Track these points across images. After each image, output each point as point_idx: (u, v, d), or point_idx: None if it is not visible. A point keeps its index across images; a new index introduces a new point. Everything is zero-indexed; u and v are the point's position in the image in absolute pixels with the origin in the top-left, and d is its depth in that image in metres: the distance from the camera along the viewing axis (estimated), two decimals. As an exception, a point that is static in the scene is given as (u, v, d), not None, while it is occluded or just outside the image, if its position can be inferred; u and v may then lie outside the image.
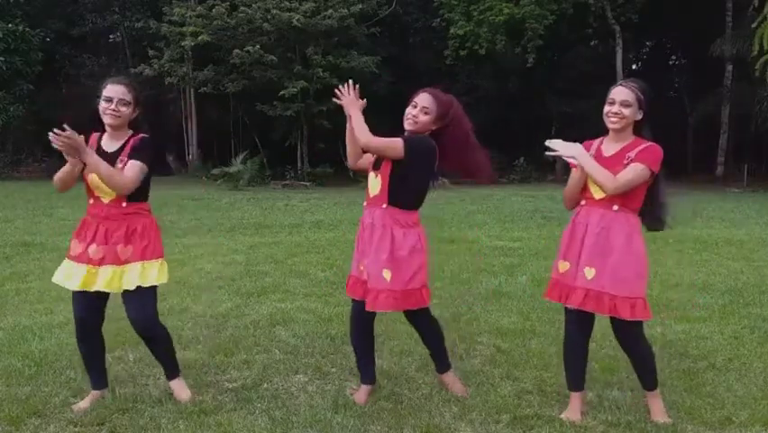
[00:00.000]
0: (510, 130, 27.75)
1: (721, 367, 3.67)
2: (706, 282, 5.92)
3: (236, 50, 21.07)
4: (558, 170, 26.24)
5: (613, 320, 2.86)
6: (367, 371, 3.26)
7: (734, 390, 3.33)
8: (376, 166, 3.08)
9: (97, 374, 3.17)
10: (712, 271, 6.53)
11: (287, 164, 24.02)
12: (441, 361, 3.33)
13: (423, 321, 3.23)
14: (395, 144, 2.96)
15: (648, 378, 2.99)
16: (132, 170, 2.94)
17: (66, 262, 3.07)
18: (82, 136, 2.84)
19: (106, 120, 2.99)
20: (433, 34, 25.19)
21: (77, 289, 2.98)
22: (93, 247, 2.98)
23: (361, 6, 21.82)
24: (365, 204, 3.13)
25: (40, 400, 3.13)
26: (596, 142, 2.99)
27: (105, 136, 3.08)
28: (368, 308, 3.01)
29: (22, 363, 3.63)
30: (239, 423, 2.90)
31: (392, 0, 24.68)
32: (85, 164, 2.89)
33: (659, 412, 2.97)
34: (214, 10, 21.46)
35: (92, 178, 2.95)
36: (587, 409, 3.05)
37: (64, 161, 2.99)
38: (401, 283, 2.96)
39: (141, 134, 3.07)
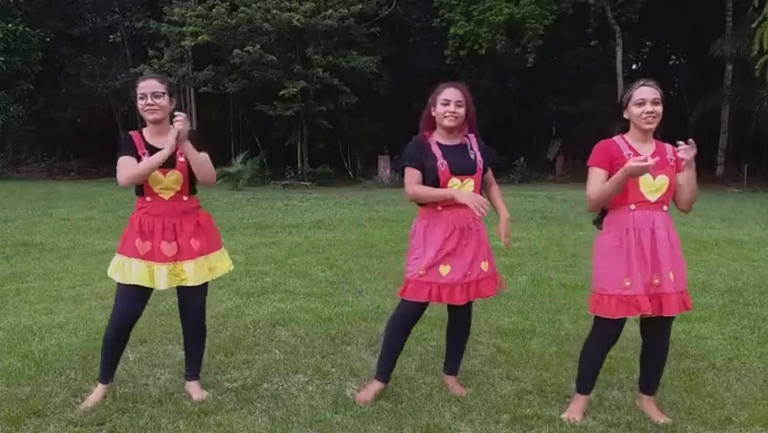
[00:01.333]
0: (510, 130, 27.78)
1: (721, 367, 3.67)
2: (706, 282, 5.92)
3: (236, 50, 21.07)
4: (558, 170, 26.30)
5: (661, 319, 2.87)
6: (390, 369, 3.25)
7: (734, 390, 3.33)
8: (464, 172, 3.10)
9: (113, 369, 3.21)
10: (712, 271, 6.53)
11: (287, 164, 24.02)
12: (456, 362, 3.37)
13: (465, 317, 3.31)
14: (414, 176, 3.09)
15: (656, 379, 3.04)
16: (209, 160, 3.06)
17: (138, 261, 3.01)
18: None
19: (148, 117, 3.03)
20: (433, 34, 25.17)
21: (164, 288, 3.03)
22: (165, 244, 3.01)
23: (361, 6, 21.81)
24: (441, 208, 3.08)
25: (40, 400, 3.13)
26: (620, 142, 2.90)
27: (148, 133, 3.09)
28: (473, 298, 3.13)
29: (22, 363, 3.63)
30: (239, 423, 2.90)
31: (392, 0, 24.68)
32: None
33: (657, 413, 2.98)
34: (214, 10, 21.45)
35: (152, 176, 2.98)
36: (587, 408, 3.05)
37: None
38: (493, 269, 3.23)
39: (188, 128, 3.10)
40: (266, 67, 21.51)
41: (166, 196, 3.04)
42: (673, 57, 32.97)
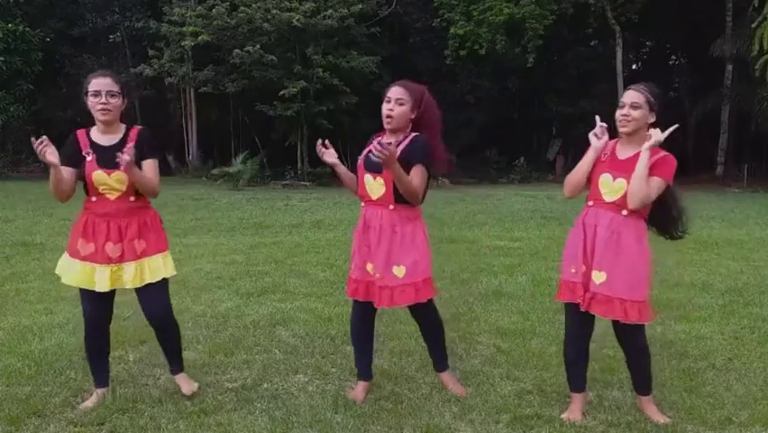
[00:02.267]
0: (510, 130, 27.78)
1: (721, 367, 3.67)
2: (706, 282, 5.92)
3: (236, 50, 21.06)
4: (558, 169, 26.30)
5: (617, 322, 2.87)
6: (367, 368, 3.29)
7: (734, 390, 3.33)
8: (372, 169, 3.02)
9: (103, 373, 3.19)
10: (712, 271, 6.52)
11: (287, 164, 24.01)
12: (440, 358, 3.35)
13: (428, 314, 3.27)
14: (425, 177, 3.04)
15: (644, 380, 3.02)
16: (152, 168, 2.99)
17: (78, 263, 2.99)
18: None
19: (99, 116, 2.95)
20: (433, 34, 25.17)
21: (105, 290, 2.96)
22: (110, 245, 2.96)
23: (361, 6, 21.80)
24: (364, 205, 3.13)
25: (40, 400, 3.13)
26: (610, 143, 2.96)
27: (95, 131, 3.03)
28: (385, 305, 3.06)
29: (22, 363, 3.63)
30: (239, 423, 2.90)
31: (392, 0, 24.67)
32: (55, 166, 2.81)
33: (656, 414, 2.98)
34: (214, 10, 21.45)
35: (98, 175, 2.93)
36: (587, 408, 3.05)
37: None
38: (414, 276, 3.04)
39: (138, 127, 3.06)
40: (266, 67, 21.50)
41: (111, 196, 2.97)
42: (673, 57, 32.95)
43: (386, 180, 3.01)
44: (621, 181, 2.83)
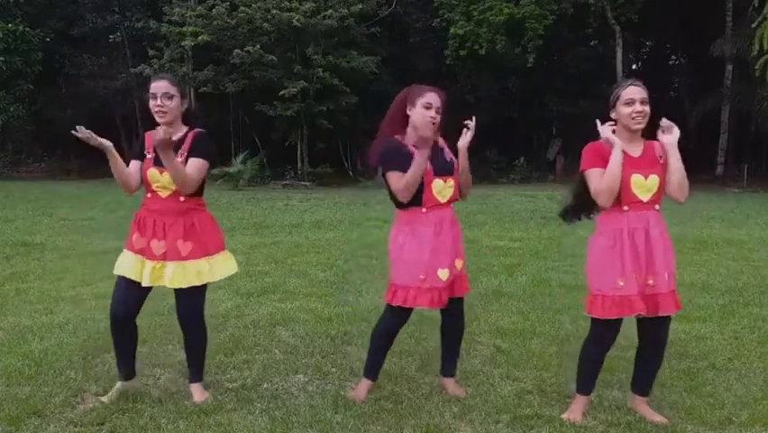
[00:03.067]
0: (510, 130, 27.77)
1: (721, 367, 3.67)
2: (706, 282, 5.92)
3: (236, 50, 21.07)
4: (558, 170, 26.28)
5: (657, 319, 2.86)
6: (377, 370, 3.26)
7: (734, 390, 3.33)
8: (446, 173, 3.08)
9: (126, 365, 3.20)
10: (712, 271, 6.52)
11: (287, 164, 24.02)
12: (453, 364, 3.35)
13: (463, 311, 3.32)
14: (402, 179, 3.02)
15: (652, 382, 3.03)
16: (195, 166, 3.01)
17: (131, 254, 3.07)
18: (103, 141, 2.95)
19: (158, 119, 3.03)
20: (433, 34, 25.17)
21: (146, 285, 3.01)
22: (155, 242, 3.02)
23: (361, 6, 21.81)
24: (426, 210, 3.03)
25: (40, 400, 3.13)
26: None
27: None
28: (463, 293, 3.22)
29: (22, 363, 3.63)
30: (239, 423, 2.90)
31: (392, 0, 24.67)
32: (108, 150, 2.97)
33: (652, 413, 2.98)
34: (214, 10, 21.46)
35: (151, 172, 3.00)
36: (587, 408, 3.05)
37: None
38: (464, 267, 3.23)
39: (198, 129, 3.11)
40: (266, 67, 21.51)
41: (163, 194, 3.04)
42: (673, 57, 32.94)
43: (455, 181, 3.13)
44: (653, 178, 2.81)
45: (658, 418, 2.94)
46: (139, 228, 3.08)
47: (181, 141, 3.05)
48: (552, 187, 21.35)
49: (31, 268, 6.60)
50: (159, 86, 3.01)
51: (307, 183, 22.29)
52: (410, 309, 3.09)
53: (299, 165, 23.99)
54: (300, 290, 5.56)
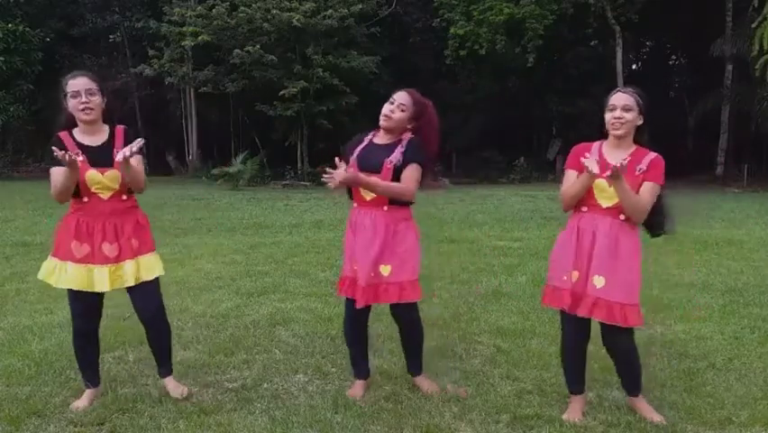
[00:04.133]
0: (510, 130, 27.77)
1: (721, 367, 3.67)
2: (706, 282, 5.92)
3: (236, 50, 21.08)
4: (558, 170, 26.28)
5: (608, 326, 2.86)
6: (363, 367, 3.31)
7: (734, 390, 3.33)
8: (371, 169, 3.06)
9: (94, 372, 3.17)
10: (712, 271, 6.52)
11: (287, 164, 24.03)
12: (416, 363, 3.34)
13: (410, 317, 3.24)
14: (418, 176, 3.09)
15: (635, 381, 3.03)
16: (141, 165, 2.99)
17: (72, 265, 2.95)
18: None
19: (82, 117, 2.94)
20: (433, 34, 25.18)
21: (106, 290, 2.96)
22: (107, 245, 2.95)
23: (361, 6, 21.82)
24: (357, 206, 3.17)
25: (40, 400, 3.13)
26: (595, 146, 2.97)
27: (78, 132, 3.01)
28: (368, 303, 3.07)
29: (22, 363, 3.63)
30: (239, 423, 2.90)
31: (392, 0, 24.67)
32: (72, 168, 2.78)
33: (650, 411, 2.98)
34: (214, 10, 21.46)
35: (90, 174, 2.90)
36: (587, 408, 3.05)
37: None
38: (399, 276, 3.06)
39: (121, 126, 3.07)
40: (266, 67, 21.51)
41: (105, 195, 2.94)
42: (673, 57, 32.96)
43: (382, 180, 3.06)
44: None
45: (656, 417, 2.94)
46: (77, 235, 2.94)
47: (111, 139, 2.99)
48: (552, 187, 21.35)
49: (31, 268, 6.59)
50: (80, 83, 2.91)
51: (307, 183, 22.28)
52: (349, 301, 3.18)
53: (299, 165, 23.99)
54: (300, 290, 5.56)
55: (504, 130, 26.92)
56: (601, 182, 2.82)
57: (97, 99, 2.95)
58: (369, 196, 3.09)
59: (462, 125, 24.47)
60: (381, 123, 3.13)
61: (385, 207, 3.07)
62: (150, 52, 23.23)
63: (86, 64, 25.99)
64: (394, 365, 3.65)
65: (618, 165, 2.66)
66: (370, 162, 3.09)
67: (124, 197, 3.00)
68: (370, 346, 3.97)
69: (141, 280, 3.00)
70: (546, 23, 22.05)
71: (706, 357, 3.84)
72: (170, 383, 3.21)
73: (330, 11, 21.46)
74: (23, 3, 24.19)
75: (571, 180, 2.93)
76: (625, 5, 23.18)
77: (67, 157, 2.69)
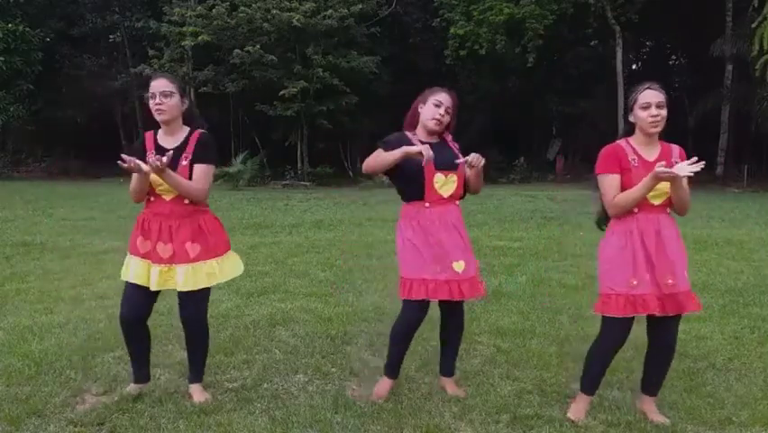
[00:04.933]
0: (510, 130, 27.77)
1: (721, 367, 3.67)
2: (706, 282, 5.92)
3: (236, 50, 21.08)
4: (558, 169, 26.29)
5: (669, 320, 2.87)
6: (397, 368, 3.28)
7: (734, 390, 3.33)
8: (448, 167, 3.10)
9: (144, 370, 3.20)
10: (712, 271, 6.52)
11: (287, 164, 24.03)
12: (452, 363, 3.35)
13: (463, 314, 3.31)
14: (379, 155, 3.15)
15: (662, 381, 3.03)
16: (203, 172, 3.01)
17: (136, 259, 3.05)
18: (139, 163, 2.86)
19: (157, 117, 3.02)
20: (433, 34, 25.17)
21: (154, 289, 3.00)
22: (161, 245, 3.00)
23: (361, 6, 21.82)
24: (429, 204, 3.10)
25: (40, 400, 3.13)
26: (626, 147, 2.90)
27: (161, 133, 3.09)
28: (469, 297, 3.13)
29: (22, 363, 3.63)
30: (239, 423, 2.90)
31: (392, 0, 24.68)
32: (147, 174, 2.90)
33: (656, 413, 2.98)
34: (214, 10, 21.46)
35: (154, 177, 2.96)
36: (587, 409, 3.05)
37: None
38: (470, 271, 3.14)
39: (200, 130, 3.09)
40: (266, 67, 21.51)
41: (167, 197, 3.02)
42: (673, 57, 32.95)
43: (458, 177, 3.14)
44: (665, 183, 2.82)
45: (661, 419, 2.94)
46: (143, 232, 3.06)
47: (185, 143, 3.04)
48: (552, 187, 21.36)
49: (31, 268, 6.60)
50: (157, 84, 2.99)
51: (307, 183, 22.29)
52: (428, 303, 3.12)
53: (299, 165, 23.99)
54: (300, 290, 5.56)
55: (504, 130, 26.91)
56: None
57: (171, 101, 3.00)
58: (447, 192, 3.12)
59: (462, 125, 24.43)
60: (434, 126, 3.15)
61: (457, 202, 3.17)
62: (150, 52, 23.23)
63: (86, 64, 26.04)
64: (438, 369, 3.64)
65: (673, 162, 2.77)
66: (448, 160, 3.10)
67: (186, 201, 3.03)
68: (370, 346, 4.00)
69: (197, 287, 3.02)
70: (546, 23, 22.04)
71: (706, 357, 3.84)
72: (196, 390, 3.21)
73: (330, 11, 21.46)
74: (23, 3, 24.19)
75: (615, 186, 2.83)
76: (625, 5, 23.18)
77: (128, 165, 2.80)
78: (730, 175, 24.15)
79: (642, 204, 2.83)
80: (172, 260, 3.00)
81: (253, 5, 21.25)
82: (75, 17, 26.38)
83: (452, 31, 23.02)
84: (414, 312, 3.12)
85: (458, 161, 3.10)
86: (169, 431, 2.83)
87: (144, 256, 3.04)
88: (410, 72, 25.08)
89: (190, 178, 3.00)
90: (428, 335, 4.13)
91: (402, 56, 25.51)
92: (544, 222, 11.05)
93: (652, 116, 2.81)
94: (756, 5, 19.84)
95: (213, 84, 22.67)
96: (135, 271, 3.04)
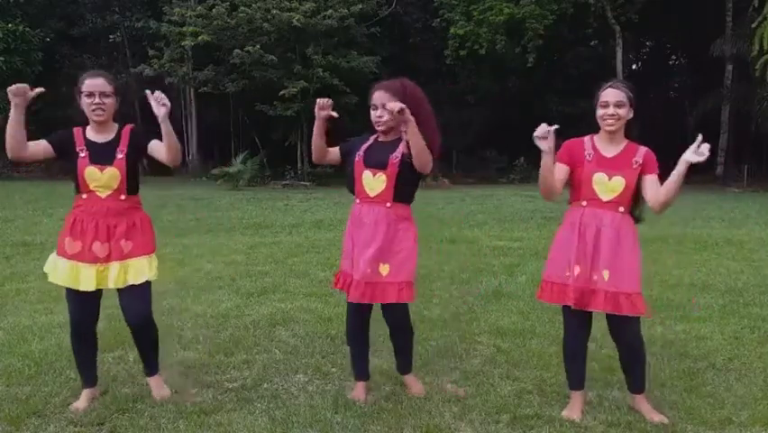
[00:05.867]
0: (510, 130, 27.74)
1: (721, 367, 3.67)
2: (706, 282, 5.92)
3: (236, 50, 21.08)
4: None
5: (616, 319, 2.88)
6: (362, 367, 3.29)
7: (734, 390, 3.33)
8: (377, 165, 3.05)
9: (91, 372, 3.17)
10: (712, 271, 6.52)
11: (287, 164, 24.02)
12: (406, 363, 3.33)
13: (402, 318, 3.21)
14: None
15: (641, 376, 3.03)
16: (160, 143, 2.98)
17: (63, 261, 2.98)
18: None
19: (94, 117, 2.95)
20: (433, 34, 25.19)
21: (91, 289, 2.94)
22: (97, 245, 2.94)
23: (361, 6, 21.82)
24: (359, 201, 3.14)
25: (40, 400, 3.13)
26: (587, 141, 2.99)
27: (90, 130, 3.02)
28: (365, 300, 3.03)
29: (22, 363, 3.63)
30: (239, 423, 2.90)
31: (392, 0, 24.68)
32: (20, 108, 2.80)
33: (651, 411, 2.98)
34: (214, 10, 21.46)
35: (90, 171, 2.92)
36: (587, 409, 3.05)
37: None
38: (397, 276, 3.03)
39: (129, 125, 3.07)
40: (266, 67, 21.51)
41: (102, 194, 2.94)
42: (673, 57, 32.97)
43: (388, 177, 3.03)
44: (618, 179, 2.86)
45: (658, 417, 2.94)
46: (72, 232, 2.96)
47: (117, 138, 3.00)
48: (552, 187, 21.31)
49: (31, 268, 6.60)
50: (95, 83, 2.92)
51: (307, 183, 22.29)
52: (359, 303, 3.09)
53: (299, 165, 23.99)
54: (300, 290, 5.55)
55: (504, 130, 26.91)
56: (600, 176, 2.87)
57: (110, 101, 2.97)
58: (373, 192, 3.07)
59: (462, 125, 24.46)
60: (378, 129, 3.12)
61: (388, 204, 3.05)
62: (150, 52, 23.23)
63: (86, 64, 25.99)
64: (394, 365, 3.65)
65: (633, 162, 2.82)
66: (377, 159, 3.07)
67: (123, 196, 2.98)
68: (371, 345, 3.98)
69: (127, 283, 2.97)
70: (546, 23, 22.06)
71: (706, 357, 3.84)
72: (156, 383, 3.19)
73: (330, 11, 21.46)
74: (23, 3, 24.19)
75: (557, 174, 2.94)
76: (625, 5, 23.20)
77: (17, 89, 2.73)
78: (730, 175, 24.16)
79: (591, 198, 2.89)
80: (108, 258, 2.95)
81: (253, 5, 21.25)
82: (75, 17, 26.39)
83: (452, 31, 23.03)
84: (349, 311, 3.20)
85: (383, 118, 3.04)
86: (169, 431, 2.83)
87: (72, 258, 2.95)
88: (410, 72, 24.96)
89: (127, 171, 2.96)
90: (428, 334, 4.14)
91: (402, 56, 25.51)
92: (544, 222, 11.05)
93: (608, 115, 2.86)
94: (756, 5, 19.85)
95: (213, 84, 22.68)
96: (63, 273, 2.95)
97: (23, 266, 6.69)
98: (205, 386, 3.31)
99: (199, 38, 21.26)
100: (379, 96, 3.06)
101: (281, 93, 21.48)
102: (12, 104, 2.80)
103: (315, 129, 3.19)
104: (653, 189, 2.85)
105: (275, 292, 5.48)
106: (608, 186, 2.86)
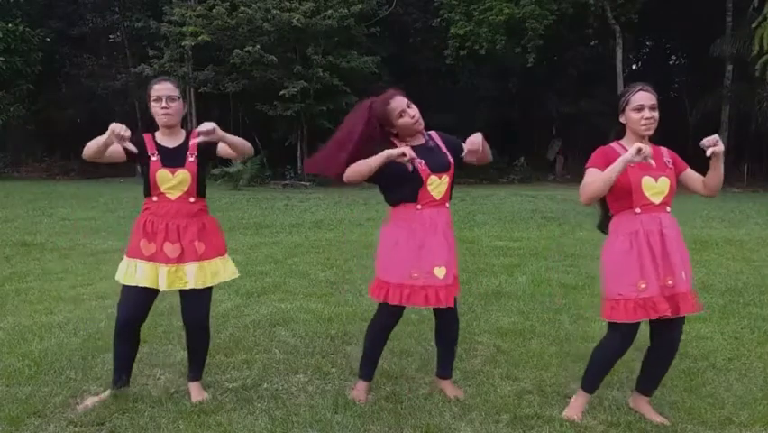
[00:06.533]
0: (510, 130, 27.77)
1: (721, 367, 3.67)
2: (706, 282, 5.92)
3: (236, 50, 21.06)
4: (558, 169, 26.28)
5: (676, 320, 2.84)
6: (374, 368, 3.28)
7: (734, 390, 3.33)
8: (439, 169, 3.06)
9: (122, 373, 3.19)
10: (712, 271, 6.52)
11: (287, 164, 24.01)
12: (448, 367, 3.33)
13: (455, 315, 3.27)
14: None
15: (660, 380, 3.03)
16: (234, 138, 3.05)
17: (142, 262, 3.01)
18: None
19: (161, 121, 3.04)
20: (433, 34, 25.16)
21: (166, 289, 3.01)
22: (168, 246, 3.00)
23: (361, 6, 21.80)
24: (422, 207, 3.05)
25: (40, 400, 3.13)
26: (619, 149, 2.87)
27: (159, 135, 3.11)
28: (450, 305, 3.07)
29: (22, 363, 3.63)
30: (239, 423, 2.90)
31: (392, 0, 24.67)
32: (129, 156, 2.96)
33: (652, 413, 2.98)
34: (214, 10, 21.45)
35: (161, 174, 2.99)
36: (587, 408, 3.05)
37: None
38: (450, 276, 3.07)
39: (197, 129, 3.10)
40: (266, 67, 21.50)
41: (172, 196, 3.03)
42: (673, 57, 32.94)
43: (449, 178, 3.10)
44: (663, 180, 2.83)
45: (659, 418, 2.94)
46: (146, 234, 3.03)
47: (186, 143, 3.08)
48: (552, 187, 21.35)
49: (31, 268, 6.60)
50: (163, 88, 3.02)
51: (307, 183, 22.27)
52: (403, 308, 3.10)
53: (299, 165, 23.97)
54: (300, 290, 5.56)
55: (504, 130, 26.92)
56: (648, 180, 2.81)
57: (177, 104, 3.05)
58: (439, 194, 3.07)
59: (462, 125, 24.45)
60: (417, 128, 3.11)
61: (447, 205, 3.12)
62: (150, 52, 23.21)
63: (86, 64, 26.04)
64: (394, 365, 3.65)
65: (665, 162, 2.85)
66: (435, 162, 3.07)
67: (192, 199, 3.06)
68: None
69: (206, 285, 3.05)
70: (546, 23, 22.03)
71: (706, 357, 3.84)
72: (194, 388, 3.22)
73: (330, 11, 21.44)
74: (23, 3, 24.21)
75: (595, 176, 2.81)
76: (625, 5, 23.17)
77: (118, 132, 2.81)
78: (730, 175, 24.12)
79: (643, 204, 2.81)
80: (181, 259, 3.02)
81: (253, 5, 21.24)
82: (75, 17, 26.38)
83: (452, 31, 23.01)
84: (389, 317, 3.14)
85: (462, 154, 3.11)
86: (169, 431, 2.83)
87: (150, 258, 3.02)
88: (410, 72, 25.08)
89: (198, 173, 3.06)
90: (428, 335, 4.14)
91: (402, 56, 25.51)
92: (544, 222, 11.05)
93: (645, 119, 2.80)
94: (756, 5, 19.84)
95: (213, 84, 22.66)
96: (143, 274, 3.00)
97: (23, 266, 6.69)
98: (205, 386, 3.31)
99: (199, 38, 21.24)
100: (403, 100, 3.12)
101: (281, 93, 21.47)
102: (107, 135, 2.85)
103: (372, 162, 2.98)
104: (700, 180, 2.94)
105: (275, 292, 5.48)
106: (657, 188, 2.82)
